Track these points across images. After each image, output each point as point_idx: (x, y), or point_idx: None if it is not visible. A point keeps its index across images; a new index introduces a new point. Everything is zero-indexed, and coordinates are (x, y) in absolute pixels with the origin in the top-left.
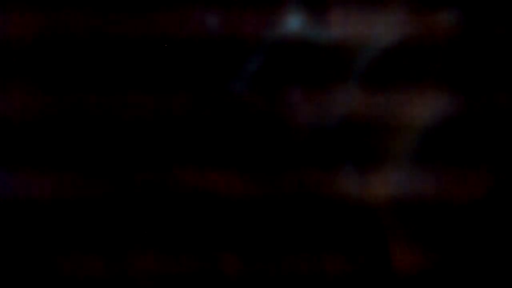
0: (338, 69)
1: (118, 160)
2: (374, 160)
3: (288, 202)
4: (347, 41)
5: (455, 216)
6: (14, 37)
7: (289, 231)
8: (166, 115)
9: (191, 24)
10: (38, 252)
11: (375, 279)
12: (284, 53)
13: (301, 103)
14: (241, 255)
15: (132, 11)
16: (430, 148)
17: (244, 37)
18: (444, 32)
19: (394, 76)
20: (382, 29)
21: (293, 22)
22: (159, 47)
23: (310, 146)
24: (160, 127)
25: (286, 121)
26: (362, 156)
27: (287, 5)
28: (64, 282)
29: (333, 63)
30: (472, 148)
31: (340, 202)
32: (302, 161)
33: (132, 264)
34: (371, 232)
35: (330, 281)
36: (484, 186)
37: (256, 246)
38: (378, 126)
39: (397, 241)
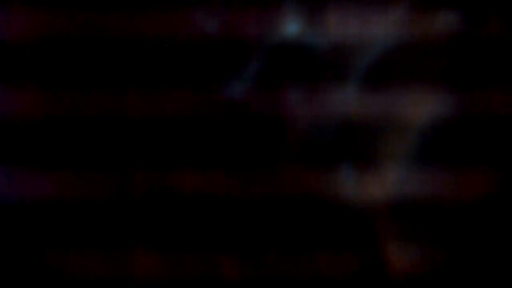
0: (337, 71)
1: (118, 160)
2: (373, 161)
3: (286, 203)
4: (346, 42)
5: (454, 217)
6: (15, 37)
7: (287, 232)
8: (165, 116)
9: (191, 26)
10: (38, 252)
11: (372, 280)
12: (283, 55)
13: (300, 105)
14: (239, 256)
15: (132, 11)
16: (428, 149)
17: (243, 39)
18: (443, 32)
19: (393, 77)
20: (381, 31)
21: (292, 24)
22: (158, 48)
23: (308, 147)
24: (160, 128)
25: (285, 122)
26: (361, 157)
27: (286, 7)
28: (63, 282)
29: (332, 65)
30: (471, 149)
31: (339, 203)
32: (300, 162)
33: (130, 264)
34: (369, 233)
35: (327, 282)
36: (484, 187)
37: (254, 247)
38: (376, 127)
39: (396, 242)
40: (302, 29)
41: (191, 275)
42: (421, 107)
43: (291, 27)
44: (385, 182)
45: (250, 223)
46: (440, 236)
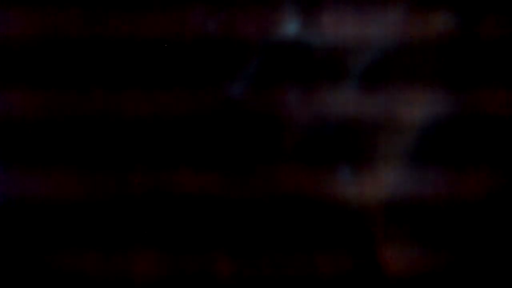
0: (336, 71)
1: (117, 160)
2: (372, 161)
3: (284, 203)
4: (345, 42)
5: (453, 217)
6: (14, 37)
7: (284, 232)
8: (165, 116)
9: (190, 26)
10: (37, 251)
11: (370, 280)
12: (283, 55)
13: (299, 105)
14: (237, 256)
15: (132, 11)
16: (427, 149)
17: (243, 39)
18: (441, 33)
19: (391, 78)
20: (380, 31)
21: (292, 24)
22: (158, 48)
23: (307, 147)
24: (159, 128)
25: (284, 122)
26: (359, 158)
27: (286, 8)
28: (63, 282)
29: (331, 65)
30: (470, 149)
31: (337, 203)
32: (298, 162)
33: (129, 264)
34: (367, 233)
35: (324, 283)
36: (483, 186)
37: (252, 247)
38: (375, 127)
39: (394, 242)
40: (301, 29)
41: (189, 275)
42: (419, 107)
43: (291, 27)
44: (384, 182)
45: (248, 223)
46: (439, 236)
